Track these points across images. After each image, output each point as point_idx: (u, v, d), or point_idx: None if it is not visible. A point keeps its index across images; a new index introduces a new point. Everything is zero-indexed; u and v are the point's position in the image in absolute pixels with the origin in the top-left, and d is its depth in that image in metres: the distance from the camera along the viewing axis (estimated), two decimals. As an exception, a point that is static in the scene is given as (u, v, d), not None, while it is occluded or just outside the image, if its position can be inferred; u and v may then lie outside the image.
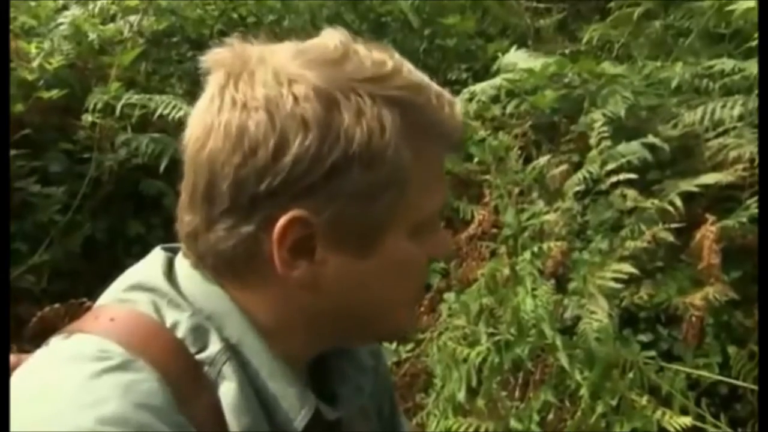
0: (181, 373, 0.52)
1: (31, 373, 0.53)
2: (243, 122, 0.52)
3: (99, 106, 2.69)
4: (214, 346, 0.54)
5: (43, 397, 0.50)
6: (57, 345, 0.55)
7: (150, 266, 0.59)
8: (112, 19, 3.23)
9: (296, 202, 0.52)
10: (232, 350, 0.55)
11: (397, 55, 0.56)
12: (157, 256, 0.60)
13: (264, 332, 0.56)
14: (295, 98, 0.51)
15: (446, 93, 0.57)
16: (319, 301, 0.56)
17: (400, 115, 0.53)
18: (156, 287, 0.57)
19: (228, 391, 0.53)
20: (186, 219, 0.56)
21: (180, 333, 0.54)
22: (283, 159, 0.51)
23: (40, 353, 0.56)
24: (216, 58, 0.56)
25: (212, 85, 0.55)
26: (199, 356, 0.54)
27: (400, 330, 0.62)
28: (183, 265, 0.59)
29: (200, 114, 0.55)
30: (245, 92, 0.52)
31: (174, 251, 0.61)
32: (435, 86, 0.57)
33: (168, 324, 0.55)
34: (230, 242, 0.54)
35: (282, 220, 0.52)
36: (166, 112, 2.61)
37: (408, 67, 0.56)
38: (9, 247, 2.21)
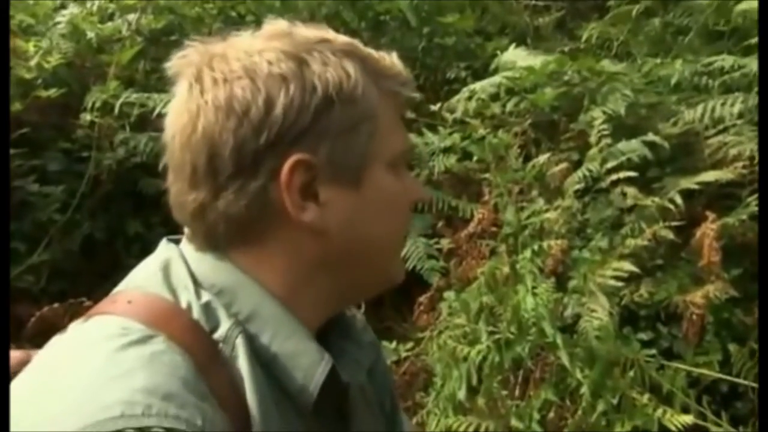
0: (200, 351, 0.54)
1: (54, 355, 0.55)
2: (229, 92, 0.57)
3: (97, 104, 2.69)
4: (225, 323, 0.57)
5: (72, 374, 0.52)
6: (77, 328, 0.58)
7: (162, 253, 0.62)
8: (111, 17, 3.23)
9: (294, 147, 0.57)
10: (241, 324, 0.57)
11: (328, 29, 0.64)
12: (166, 245, 0.63)
13: (276, 296, 0.59)
14: (269, 62, 0.58)
15: (382, 51, 0.65)
16: (327, 247, 0.60)
17: (356, 62, 0.61)
18: (169, 271, 0.59)
19: (243, 365, 0.56)
20: (189, 199, 0.59)
21: (195, 314, 0.57)
22: (273, 112, 0.57)
23: (59, 338, 0.58)
24: (183, 60, 0.62)
25: (186, 77, 0.61)
26: (214, 335, 0.56)
27: (393, 275, 0.67)
28: (188, 249, 0.62)
29: (181, 105, 0.60)
30: (222, 69, 0.58)
31: (179, 242, 0.64)
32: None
33: (183, 305, 0.57)
34: (242, 202, 0.58)
35: (286, 166, 0.57)
36: (165, 110, 2.59)
37: (340, 35, 0.64)
38: (9, 247, 2.21)
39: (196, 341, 0.55)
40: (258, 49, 0.59)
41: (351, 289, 0.65)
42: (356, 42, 0.63)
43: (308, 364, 0.58)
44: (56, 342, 0.57)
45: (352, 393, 0.65)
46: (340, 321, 0.68)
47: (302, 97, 0.57)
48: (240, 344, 0.56)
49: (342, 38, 0.63)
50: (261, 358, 0.57)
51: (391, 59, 0.64)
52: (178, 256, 0.61)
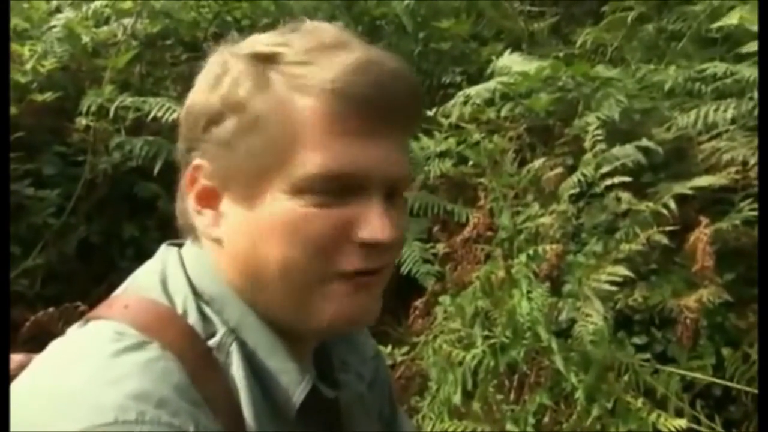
0: (196, 357, 0.55)
1: (51, 358, 0.56)
2: (191, 92, 0.62)
3: (93, 108, 2.69)
4: (220, 330, 0.57)
5: (66, 377, 0.52)
6: (74, 332, 0.59)
7: (160, 258, 0.63)
8: (106, 21, 3.22)
9: (194, 153, 0.59)
10: (233, 332, 0.58)
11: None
12: (166, 249, 0.64)
13: (257, 305, 0.59)
14: (236, 62, 0.59)
15: (340, 53, 0.56)
16: (228, 259, 0.59)
17: (262, 68, 0.57)
18: (167, 276, 0.60)
19: (238, 372, 0.56)
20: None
21: (191, 320, 0.57)
22: (191, 114, 0.60)
23: (58, 341, 0.58)
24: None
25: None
26: (209, 342, 0.57)
27: (311, 316, 0.57)
28: (189, 251, 0.62)
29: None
30: (207, 69, 0.62)
31: (180, 246, 0.64)
32: (329, 42, 0.57)
33: (179, 311, 0.57)
34: (177, 199, 0.62)
35: (188, 169, 0.59)
36: (160, 114, 2.60)
37: (308, 29, 0.60)
38: (9, 249, 2.20)
39: (191, 348, 0.55)
40: (248, 44, 0.61)
41: (283, 315, 0.59)
42: (301, 41, 0.57)
43: (287, 383, 0.57)
44: (54, 345, 0.58)
45: (348, 402, 0.65)
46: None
47: (211, 102, 0.58)
48: (234, 351, 0.56)
49: (275, 37, 0.59)
50: (252, 366, 0.57)
51: (331, 61, 0.55)
52: (176, 262, 0.61)
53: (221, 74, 0.58)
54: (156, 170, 2.60)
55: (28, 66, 2.78)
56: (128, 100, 2.70)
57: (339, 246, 0.56)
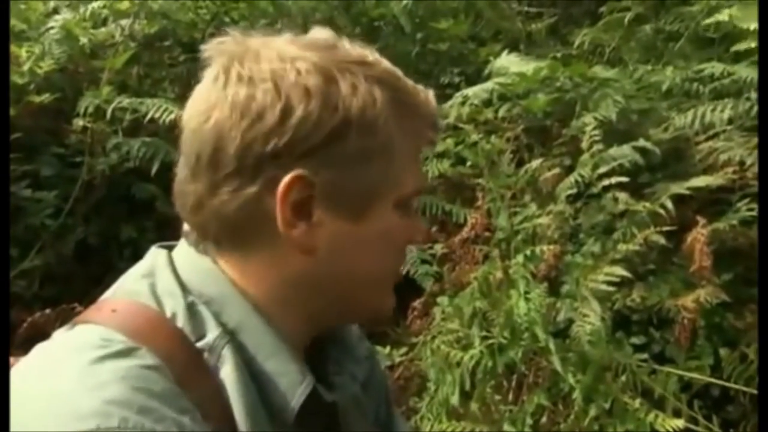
0: (184, 361, 0.54)
1: (34, 362, 0.55)
2: (250, 92, 0.56)
3: (90, 109, 2.69)
4: (212, 332, 0.56)
5: (47, 381, 0.51)
6: (60, 336, 0.58)
7: (149, 260, 0.62)
8: (104, 22, 3.22)
9: (298, 163, 0.56)
10: (230, 334, 0.57)
11: (375, 53, 0.63)
12: (155, 251, 0.63)
13: (260, 310, 0.59)
14: (298, 72, 0.57)
15: (420, 86, 0.64)
16: (311, 267, 0.59)
17: (387, 92, 0.59)
18: (156, 278, 0.59)
19: (229, 374, 0.55)
20: (189, 189, 0.59)
21: (180, 322, 0.56)
22: (288, 122, 0.55)
23: (44, 345, 0.57)
24: (219, 46, 0.60)
25: (216, 66, 0.59)
26: (199, 344, 0.56)
27: (379, 309, 0.65)
28: (182, 250, 0.62)
29: (203, 92, 0.59)
30: (251, 68, 0.57)
31: (171, 248, 0.63)
32: (409, 80, 0.63)
33: (168, 314, 0.57)
34: (234, 204, 0.57)
35: (286, 178, 0.56)
36: (157, 115, 2.60)
37: (386, 61, 0.62)
38: (8, 249, 2.19)
39: (178, 351, 0.54)
40: (291, 56, 0.58)
41: (334, 314, 0.64)
42: (397, 72, 0.61)
43: (287, 385, 0.57)
44: (39, 349, 0.57)
45: (344, 404, 0.65)
46: (336, 333, 0.68)
47: (321, 114, 0.56)
48: (227, 354, 0.56)
49: (384, 64, 0.61)
50: (250, 369, 0.57)
51: (426, 96, 0.63)
52: (165, 264, 0.60)
53: (326, 84, 0.56)
54: (153, 171, 2.60)
55: (26, 67, 2.78)
56: (126, 101, 2.70)
57: None
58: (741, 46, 2.25)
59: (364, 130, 0.57)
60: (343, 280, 0.60)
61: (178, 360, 0.54)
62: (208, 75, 0.59)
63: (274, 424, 0.57)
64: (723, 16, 2.23)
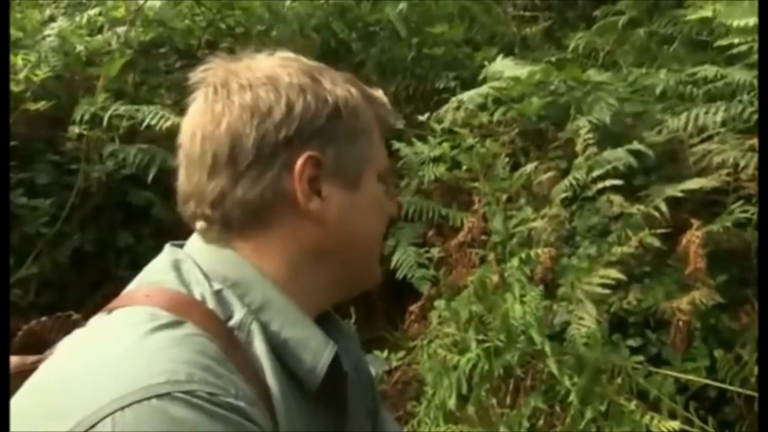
0: (221, 337, 0.59)
1: (82, 341, 0.59)
2: (254, 95, 0.66)
3: (86, 117, 2.69)
4: (239, 312, 0.62)
5: (108, 350, 0.56)
6: (101, 319, 0.62)
7: (168, 255, 0.67)
8: (100, 30, 3.23)
9: (307, 146, 0.66)
10: (255, 313, 0.63)
11: None
12: (171, 248, 0.68)
13: (280, 287, 0.66)
14: (289, 74, 0.68)
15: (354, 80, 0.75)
16: (323, 237, 0.68)
17: (355, 87, 0.71)
18: (180, 268, 0.64)
19: (259, 346, 0.61)
20: (209, 187, 0.66)
21: (210, 304, 0.62)
22: (293, 114, 0.66)
23: (83, 329, 0.62)
24: (207, 71, 0.69)
25: (212, 83, 0.68)
26: (229, 324, 0.61)
27: (373, 275, 0.76)
28: (196, 245, 0.67)
29: (205, 107, 0.67)
30: (248, 77, 0.67)
31: (182, 247, 0.68)
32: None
33: (198, 297, 0.62)
34: (257, 189, 0.65)
35: (300, 160, 0.66)
36: (154, 122, 2.61)
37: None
38: (8, 254, 2.18)
39: (216, 328, 0.59)
40: (277, 65, 0.69)
41: (340, 281, 0.71)
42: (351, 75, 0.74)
43: (316, 347, 0.64)
44: (79, 334, 0.61)
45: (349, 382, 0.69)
46: (326, 316, 0.74)
47: (317, 104, 0.67)
48: (255, 330, 0.62)
49: (340, 71, 0.73)
50: (272, 345, 0.62)
51: (379, 91, 0.76)
52: (186, 256, 0.66)
53: (313, 82, 0.68)
54: (150, 178, 2.60)
55: (22, 75, 2.78)
56: (122, 108, 2.71)
57: None
58: (724, 42, 2.26)
59: (351, 114, 0.69)
60: (347, 247, 0.70)
61: (217, 335, 0.59)
62: (204, 93, 0.67)
63: (299, 397, 0.63)
64: (707, 12, 2.24)
